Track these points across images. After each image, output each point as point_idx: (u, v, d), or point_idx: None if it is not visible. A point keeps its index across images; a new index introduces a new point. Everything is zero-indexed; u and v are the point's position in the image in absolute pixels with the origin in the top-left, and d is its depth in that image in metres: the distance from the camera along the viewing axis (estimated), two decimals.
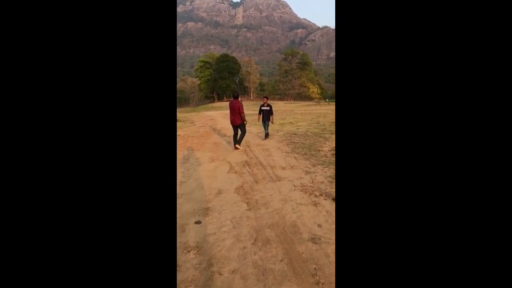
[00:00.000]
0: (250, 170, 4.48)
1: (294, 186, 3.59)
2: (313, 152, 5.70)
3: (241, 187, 3.63)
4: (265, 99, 7.66)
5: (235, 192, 3.45)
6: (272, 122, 7.74)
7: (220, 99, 59.51)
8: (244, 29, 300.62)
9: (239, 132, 6.41)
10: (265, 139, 7.50)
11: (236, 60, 64.81)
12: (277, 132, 8.68)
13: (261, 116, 7.56)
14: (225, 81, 59.49)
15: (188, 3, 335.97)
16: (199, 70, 64.63)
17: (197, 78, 67.56)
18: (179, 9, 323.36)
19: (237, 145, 6.32)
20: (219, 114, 22.15)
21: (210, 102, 59.82)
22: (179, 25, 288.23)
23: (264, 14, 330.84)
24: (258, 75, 69.95)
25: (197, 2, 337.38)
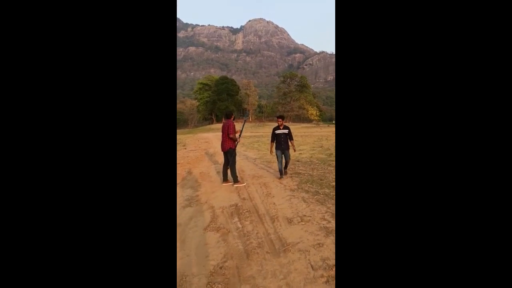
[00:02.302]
0: (240, 225, 2.97)
1: (313, 267, 2.08)
2: (327, 190, 4.23)
3: (220, 268, 2.11)
4: (280, 119, 5.08)
5: (207, 284, 1.93)
6: (294, 150, 5.29)
7: (218, 120, 58.68)
8: (244, 54, 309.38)
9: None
10: (282, 177, 5.08)
11: (235, 82, 65.00)
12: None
13: (274, 144, 5.09)
14: (224, 102, 59.02)
15: (189, 29, 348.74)
16: (198, 92, 64.58)
17: (196, 100, 67.35)
18: (181, 34, 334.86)
19: (229, 181, 5.01)
20: (215, 136, 20.89)
21: (209, 124, 59.13)
22: (180, 50, 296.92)
23: (263, 39, 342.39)
24: (257, 97, 69.81)
25: (198, 28, 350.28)
